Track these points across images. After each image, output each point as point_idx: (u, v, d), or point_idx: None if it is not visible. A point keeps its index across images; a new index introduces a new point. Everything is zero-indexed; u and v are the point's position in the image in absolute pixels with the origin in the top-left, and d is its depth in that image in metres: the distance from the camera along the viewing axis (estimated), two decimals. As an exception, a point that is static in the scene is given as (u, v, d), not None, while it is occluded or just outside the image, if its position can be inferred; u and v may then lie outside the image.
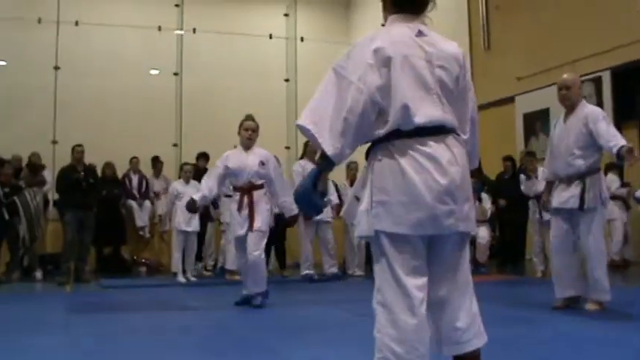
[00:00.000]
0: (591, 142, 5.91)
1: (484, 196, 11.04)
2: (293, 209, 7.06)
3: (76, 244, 10.23)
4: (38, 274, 10.49)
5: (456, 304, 2.75)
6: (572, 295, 6.10)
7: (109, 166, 11.90)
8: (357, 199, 2.80)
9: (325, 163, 2.70)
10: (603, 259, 5.98)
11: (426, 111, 2.66)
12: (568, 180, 6.04)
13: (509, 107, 13.34)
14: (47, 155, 12.27)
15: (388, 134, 2.67)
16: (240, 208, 6.90)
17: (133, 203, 12.08)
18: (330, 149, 2.65)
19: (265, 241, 7.05)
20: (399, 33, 2.76)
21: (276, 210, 10.34)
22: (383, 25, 2.93)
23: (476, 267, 10.70)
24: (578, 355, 4.25)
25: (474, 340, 2.79)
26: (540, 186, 8.30)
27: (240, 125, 7.14)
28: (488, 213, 11.02)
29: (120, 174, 12.26)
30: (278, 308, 7.06)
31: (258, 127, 7.18)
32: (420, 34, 2.77)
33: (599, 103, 10.75)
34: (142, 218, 12.14)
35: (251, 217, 6.82)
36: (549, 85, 11.31)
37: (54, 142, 12.87)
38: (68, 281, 9.77)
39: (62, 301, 7.69)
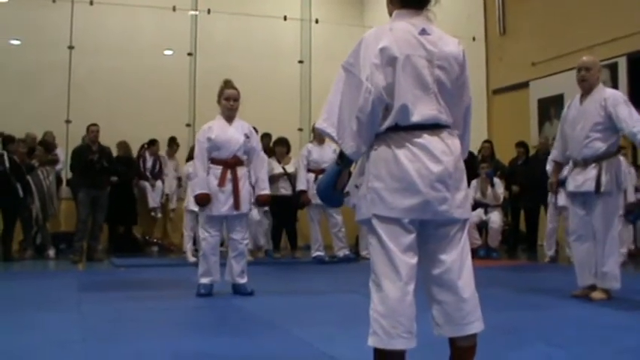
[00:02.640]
0: (609, 125, 5.77)
1: (497, 181, 11.04)
2: (264, 188, 6.64)
3: (89, 223, 10.30)
4: (51, 253, 10.56)
5: (456, 276, 2.86)
6: (593, 284, 5.93)
7: (121, 145, 11.94)
8: (357, 186, 2.95)
9: (345, 162, 2.90)
10: (615, 245, 5.84)
11: (423, 110, 2.81)
12: (584, 163, 5.90)
13: (523, 92, 13.28)
14: (60, 134, 12.29)
15: (387, 128, 2.82)
16: (222, 184, 6.28)
17: (145, 184, 12.10)
18: (348, 149, 2.83)
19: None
20: (403, 31, 2.86)
21: (285, 192, 10.42)
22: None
23: (488, 252, 10.73)
24: (588, 340, 4.25)
25: (476, 323, 2.87)
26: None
27: (220, 94, 6.46)
28: (501, 198, 11.00)
29: (132, 154, 12.30)
30: (288, 289, 7.08)
31: (240, 94, 6.46)
32: (423, 32, 2.88)
33: (615, 89, 10.69)
34: (154, 199, 12.16)
35: (236, 195, 6.30)
36: (564, 71, 11.28)
37: (67, 121, 12.88)
38: (81, 259, 9.85)
39: (74, 279, 7.74)
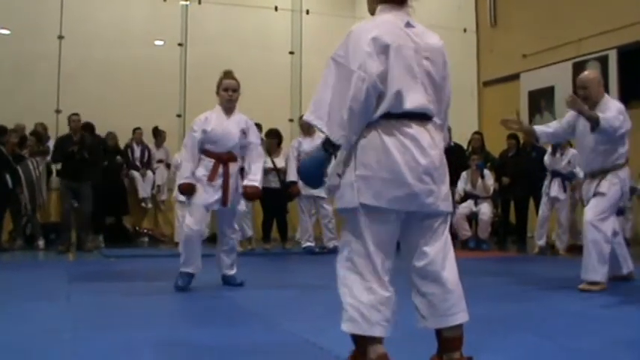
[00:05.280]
0: (612, 140, 5.86)
1: (486, 172, 11.08)
2: (254, 180, 6.22)
3: (73, 213, 10.28)
4: (41, 243, 10.55)
5: (440, 267, 2.90)
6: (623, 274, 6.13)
7: (111, 136, 11.91)
8: (339, 175, 2.95)
9: (333, 149, 2.89)
10: (599, 240, 5.83)
11: (414, 98, 2.86)
12: (592, 175, 6.07)
13: (514, 84, 13.31)
14: (50, 125, 12.26)
15: (379, 116, 2.84)
16: (212, 178, 6.05)
17: (135, 174, 12.10)
18: (338, 139, 2.84)
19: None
20: (390, 23, 2.92)
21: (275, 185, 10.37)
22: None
23: (477, 243, 10.77)
24: (577, 331, 4.26)
25: (461, 314, 2.91)
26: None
27: (219, 84, 6.26)
28: (491, 189, 11.04)
29: (123, 144, 12.30)
30: (278, 280, 7.09)
31: (240, 85, 6.27)
32: (408, 25, 2.95)
33: (605, 82, 10.70)
34: (144, 189, 12.16)
35: (224, 191, 6.09)
36: (555, 63, 11.33)
37: (57, 111, 12.84)
38: (68, 250, 9.84)
39: (64, 270, 7.74)
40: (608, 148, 5.93)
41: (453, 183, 11.00)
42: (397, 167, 2.80)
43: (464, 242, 10.96)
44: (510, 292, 5.95)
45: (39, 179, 10.54)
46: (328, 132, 2.86)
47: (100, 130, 11.47)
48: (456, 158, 11.30)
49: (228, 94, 6.17)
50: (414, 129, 2.84)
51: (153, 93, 13.30)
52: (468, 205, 10.94)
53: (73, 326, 4.34)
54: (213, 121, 6.17)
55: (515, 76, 13.26)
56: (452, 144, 11.49)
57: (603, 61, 11.21)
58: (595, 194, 5.93)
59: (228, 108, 6.23)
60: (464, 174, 11.08)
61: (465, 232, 10.94)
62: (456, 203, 11.01)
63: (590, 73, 6.29)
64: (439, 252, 2.91)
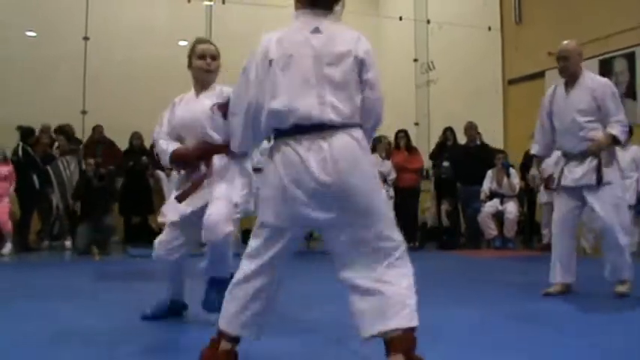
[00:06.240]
0: (602, 115, 5.53)
1: (512, 171, 11.03)
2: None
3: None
4: (68, 243, 10.62)
5: (353, 276, 2.90)
6: (568, 282, 5.73)
7: (136, 136, 11.99)
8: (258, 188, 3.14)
9: None
10: (627, 234, 5.57)
11: (304, 111, 2.74)
12: (581, 156, 5.58)
13: (539, 82, 13.18)
14: (77, 125, 12.35)
15: (274, 132, 2.86)
16: (185, 179, 4.51)
17: (161, 174, 12.12)
18: (236, 148, 3.14)
19: (234, 216, 4.33)
20: (294, 31, 2.89)
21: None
22: None
23: (503, 242, 10.72)
24: (602, 330, 4.24)
25: (379, 325, 2.76)
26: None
27: (192, 52, 4.70)
28: (517, 188, 10.98)
29: (148, 145, 12.36)
30: (301, 279, 7.08)
31: (220, 54, 4.75)
32: (316, 31, 2.85)
33: (632, 79, 10.65)
34: (170, 189, 12.20)
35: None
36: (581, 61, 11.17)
37: (83, 112, 12.93)
38: (92, 252, 9.88)
39: (91, 269, 7.78)
40: (597, 126, 5.54)
41: (479, 182, 10.98)
42: (285, 190, 2.77)
43: (490, 241, 10.91)
44: (537, 291, 5.89)
45: (70, 178, 10.61)
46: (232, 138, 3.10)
47: (126, 131, 11.53)
48: (482, 157, 11.26)
49: (206, 62, 4.64)
50: (304, 145, 2.73)
51: (178, 93, 13.25)
52: (493, 204, 10.88)
53: (98, 326, 4.37)
54: (181, 104, 4.80)
55: (540, 74, 13.14)
56: (477, 142, 11.49)
57: (630, 58, 11.10)
58: (600, 184, 5.46)
59: (205, 82, 4.65)
60: (489, 173, 11.03)
61: (491, 230, 10.89)
62: (481, 202, 10.98)
63: (569, 43, 5.90)
64: (353, 256, 2.92)
